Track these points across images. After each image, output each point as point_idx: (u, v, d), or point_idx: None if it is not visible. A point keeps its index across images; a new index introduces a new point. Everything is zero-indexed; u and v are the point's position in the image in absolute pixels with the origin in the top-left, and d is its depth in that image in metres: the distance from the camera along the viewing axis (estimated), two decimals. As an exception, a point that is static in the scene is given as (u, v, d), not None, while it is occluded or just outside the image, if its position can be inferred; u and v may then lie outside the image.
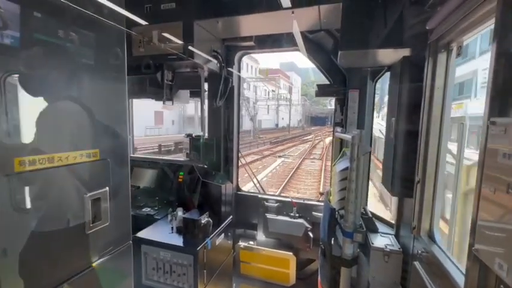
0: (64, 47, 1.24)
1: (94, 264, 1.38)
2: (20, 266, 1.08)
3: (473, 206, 0.90)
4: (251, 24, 2.55)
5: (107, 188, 1.41)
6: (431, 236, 1.61)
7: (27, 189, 1.08)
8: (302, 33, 2.60)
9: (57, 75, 1.22)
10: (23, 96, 1.08)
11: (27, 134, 1.10)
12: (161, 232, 2.35)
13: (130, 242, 1.61)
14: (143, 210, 2.70)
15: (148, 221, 2.53)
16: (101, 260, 1.42)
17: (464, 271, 1.16)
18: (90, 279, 1.37)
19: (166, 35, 2.34)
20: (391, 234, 2.11)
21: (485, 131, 0.84)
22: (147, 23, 2.34)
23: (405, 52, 1.78)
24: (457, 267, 1.28)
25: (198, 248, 2.11)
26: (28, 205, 1.09)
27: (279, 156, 16.86)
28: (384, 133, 2.08)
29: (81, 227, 1.31)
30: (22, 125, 1.07)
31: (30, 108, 1.11)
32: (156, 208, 2.76)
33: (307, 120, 51.03)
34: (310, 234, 2.89)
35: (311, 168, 13.21)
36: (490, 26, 1.09)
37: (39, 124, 1.13)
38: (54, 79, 1.21)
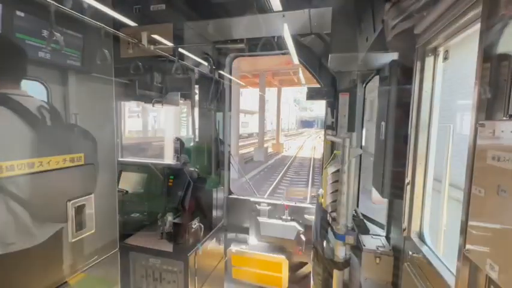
0: (48, 47, 1.19)
1: (79, 273, 1.32)
2: None
3: (462, 207, 0.91)
4: (242, 26, 2.55)
5: (92, 195, 1.36)
6: (421, 237, 1.63)
7: (4, 196, 1.02)
8: (293, 36, 2.61)
9: (40, 76, 1.17)
10: (3, 97, 1.03)
11: (5, 137, 1.04)
12: (150, 238, 2.29)
13: (117, 249, 1.55)
14: (132, 215, 2.62)
15: (137, 226, 2.46)
16: (86, 268, 1.36)
17: (454, 272, 1.17)
18: None
19: (156, 36, 2.30)
20: (382, 236, 2.13)
21: (474, 134, 0.86)
22: (136, 25, 2.29)
23: (394, 56, 1.81)
24: (447, 268, 1.29)
25: (188, 254, 2.06)
26: (6, 213, 1.03)
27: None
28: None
29: (64, 236, 1.25)
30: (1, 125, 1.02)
31: (9, 110, 1.05)
32: (145, 213, 2.69)
33: (298, 123, 63.84)
34: (303, 237, 2.89)
35: (309, 139, 35.73)
36: (475, 30, 1.12)
37: (18, 127, 1.07)
38: (36, 80, 1.16)
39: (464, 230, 0.90)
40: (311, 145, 28.01)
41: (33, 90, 1.19)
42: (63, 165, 1.22)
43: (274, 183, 11.54)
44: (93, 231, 1.36)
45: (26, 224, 1.10)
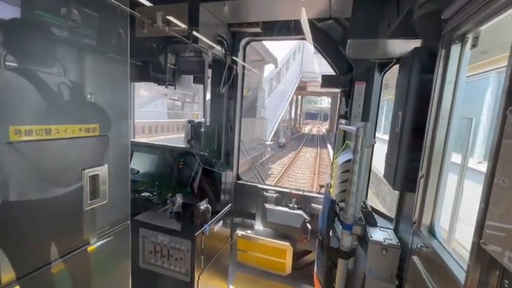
0: (67, 24, 1.20)
1: (91, 242, 1.37)
2: (13, 239, 1.06)
3: (481, 197, 0.87)
4: (258, 8, 2.48)
5: (106, 166, 1.39)
6: (431, 231, 1.60)
7: (22, 160, 1.05)
8: (310, 21, 2.53)
9: (60, 48, 1.18)
10: (23, 64, 1.05)
11: (25, 101, 1.06)
12: (160, 216, 2.35)
13: (129, 222, 1.59)
14: (142, 194, 2.69)
15: (147, 205, 2.52)
16: (98, 238, 1.41)
17: (464, 266, 1.15)
18: (86, 257, 1.36)
19: (170, 18, 2.27)
20: (390, 229, 2.10)
21: (501, 121, 0.81)
22: (151, 4, 2.27)
23: (416, 43, 1.72)
24: (457, 262, 1.27)
25: (196, 234, 2.11)
26: (23, 177, 1.06)
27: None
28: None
29: (79, 204, 1.29)
30: (20, 92, 1.04)
31: (30, 76, 1.07)
32: (155, 193, 2.75)
33: (304, 115, 69.49)
34: (308, 226, 2.90)
35: (314, 127, 57.88)
36: (510, 15, 1.04)
37: (38, 93, 1.09)
38: (57, 52, 1.17)
39: (482, 221, 0.86)
40: (316, 130, 51.53)
41: (50, 67, 1.20)
42: (79, 134, 1.25)
43: (304, 140, 30.62)
44: (106, 201, 1.40)
45: (42, 189, 1.14)
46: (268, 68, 18.93)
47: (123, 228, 1.55)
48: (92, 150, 1.33)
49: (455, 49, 1.46)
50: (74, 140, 1.22)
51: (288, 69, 22.56)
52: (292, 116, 38.66)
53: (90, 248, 1.37)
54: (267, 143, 17.27)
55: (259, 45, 13.83)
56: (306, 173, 15.21)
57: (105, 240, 1.44)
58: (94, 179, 1.31)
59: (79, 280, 1.36)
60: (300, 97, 41.27)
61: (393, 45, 1.86)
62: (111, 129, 1.40)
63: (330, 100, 44.79)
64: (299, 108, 45.47)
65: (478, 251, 0.91)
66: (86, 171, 1.29)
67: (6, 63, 1.00)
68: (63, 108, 1.20)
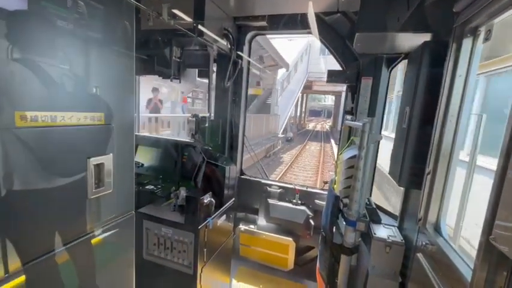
0: (73, 15, 1.20)
1: (96, 231, 1.38)
2: (17, 226, 1.07)
3: (491, 192, 0.85)
4: (265, 1, 2.45)
5: (111, 155, 1.39)
6: (437, 229, 1.58)
7: (27, 146, 1.06)
8: (317, 15, 2.49)
9: (66, 38, 1.18)
10: (29, 53, 1.06)
11: (31, 88, 1.06)
12: (163, 209, 2.37)
13: (133, 212, 1.60)
14: (146, 187, 2.71)
15: (151, 198, 2.54)
16: (103, 227, 1.42)
17: (470, 263, 1.13)
18: (90, 246, 1.37)
19: (176, 11, 2.26)
20: (394, 226, 2.09)
21: None
22: None
23: (426, 37, 1.68)
24: (463, 260, 1.25)
25: (199, 227, 2.12)
26: (29, 163, 1.07)
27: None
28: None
29: (83, 192, 1.29)
30: (26, 79, 1.04)
31: (35, 65, 1.08)
32: (159, 186, 2.77)
33: (308, 113, 72.67)
34: (312, 222, 2.89)
35: (319, 124, 61.81)
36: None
37: (44, 81, 1.09)
38: (63, 42, 1.17)
39: (491, 218, 0.84)
40: (320, 126, 55.01)
41: (56, 56, 1.20)
42: (84, 122, 1.25)
43: (309, 136, 33.05)
44: (110, 190, 1.40)
45: (47, 175, 1.15)
46: (281, 72, 21.57)
47: (128, 218, 1.56)
48: (97, 139, 1.33)
49: (466, 43, 1.42)
50: (79, 127, 1.22)
51: (296, 71, 24.77)
52: (298, 113, 41.16)
53: (95, 237, 1.38)
54: (279, 135, 20.86)
55: (273, 51, 15.40)
56: (312, 161, 18.15)
57: (110, 230, 1.45)
58: (99, 167, 1.32)
59: (84, 268, 1.37)
60: (305, 95, 43.67)
61: (402, 39, 1.82)
62: (116, 119, 1.40)
63: (333, 98, 46.74)
64: (304, 106, 48.37)
65: (485, 249, 0.90)
66: (91, 159, 1.29)
67: (13, 52, 1.00)
68: (68, 96, 1.20)
